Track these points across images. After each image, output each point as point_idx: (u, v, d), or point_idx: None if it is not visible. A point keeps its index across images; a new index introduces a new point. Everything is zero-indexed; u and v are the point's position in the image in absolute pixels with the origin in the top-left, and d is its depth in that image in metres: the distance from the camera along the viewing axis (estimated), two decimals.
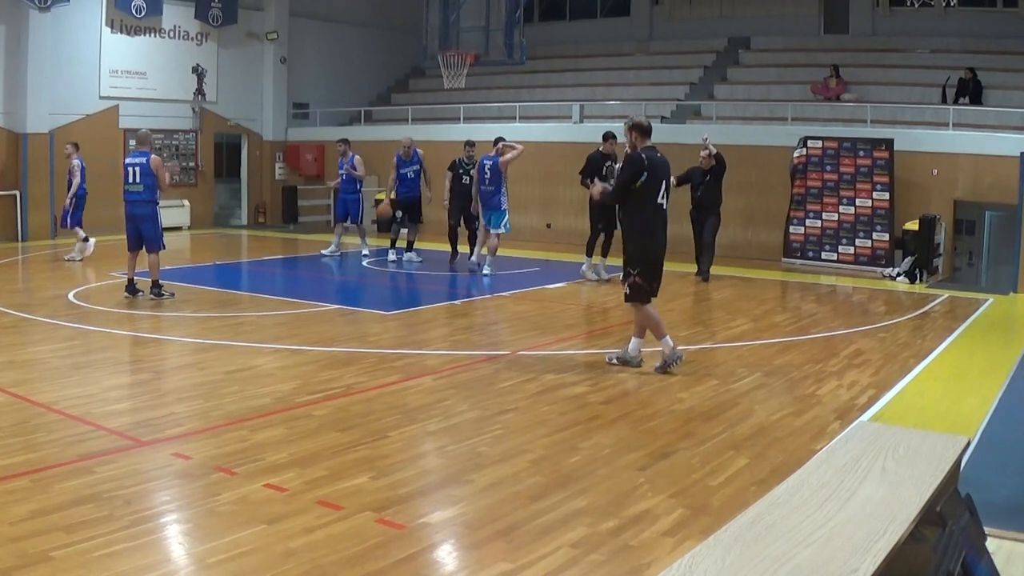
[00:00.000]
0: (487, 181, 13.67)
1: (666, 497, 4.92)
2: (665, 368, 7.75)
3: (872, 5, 19.56)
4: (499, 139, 14.16)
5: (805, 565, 1.75)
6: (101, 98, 18.93)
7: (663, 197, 7.75)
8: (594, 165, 12.75)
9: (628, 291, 7.87)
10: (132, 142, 13.66)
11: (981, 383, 7.74)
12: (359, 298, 10.39)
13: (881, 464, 2.36)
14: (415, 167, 14.71)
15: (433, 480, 5.30)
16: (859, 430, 2.80)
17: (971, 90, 15.94)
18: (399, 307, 10.31)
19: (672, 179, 8.18)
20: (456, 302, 11.36)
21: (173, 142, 20.42)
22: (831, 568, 1.73)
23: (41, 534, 4.20)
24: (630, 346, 8.05)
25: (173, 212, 19.91)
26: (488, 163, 13.69)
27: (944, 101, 16.09)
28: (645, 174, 7.56)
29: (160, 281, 10.94)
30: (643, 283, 7.76)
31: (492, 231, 13.72)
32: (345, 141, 15.63)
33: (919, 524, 1.97)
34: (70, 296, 11.06)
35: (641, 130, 7.82)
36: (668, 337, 7.83)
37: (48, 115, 17.74)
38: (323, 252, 15.76)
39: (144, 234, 10.91)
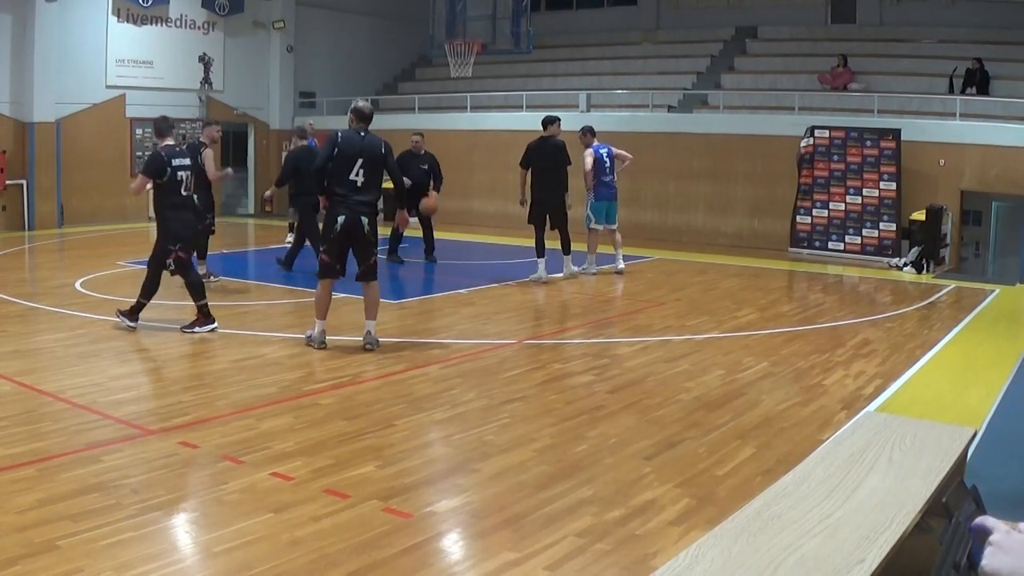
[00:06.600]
0: (608, 170, 12.41)
1: (672, 487, 4.93)
2: (310, 342, 8.05)
3: None
4: (589, 128, 12.64)
5: (811, 555, 1.74)
6: (108, 87, 18.92)
7: (357, 175, 7.70)
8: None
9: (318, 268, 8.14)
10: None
11: (987, 374, 7.73)
12: None
13: (887, 455, 2.35)
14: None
15: (439, 469, 5.32)
16: (865, 420, 2.79)
17: (978, 80, 15.86)
18: (406, 296, 10.31)
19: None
20: (463, 291, 11.35)
21: (179, 131, 20.41)
22: (837, 559, 1.73)
23: (47, 523, 4.22)
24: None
25: None
26: (604, 151, 12.41)
27: (951, 91, 16.01)
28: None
29: None
30: (330, 260, 7.90)
31: (614, 227, 12.64)
32: None
33: (925, 515, 1.97)
34: (77, 285, 11.09)
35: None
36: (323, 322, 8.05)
37: (54, 104, 17.73)
38: None
39: None
